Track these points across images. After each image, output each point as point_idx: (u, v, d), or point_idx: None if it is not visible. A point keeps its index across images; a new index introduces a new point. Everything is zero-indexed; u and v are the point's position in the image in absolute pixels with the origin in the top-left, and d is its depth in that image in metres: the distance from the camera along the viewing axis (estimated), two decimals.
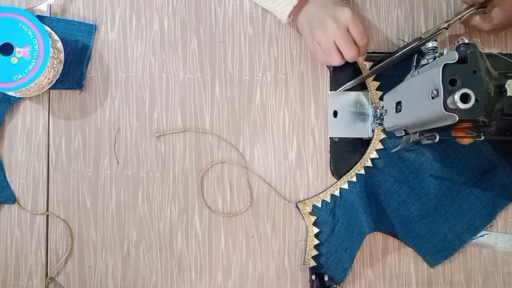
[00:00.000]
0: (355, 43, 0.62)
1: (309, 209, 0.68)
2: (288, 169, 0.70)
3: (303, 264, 0.68)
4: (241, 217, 0.69)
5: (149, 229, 0.69)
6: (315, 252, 0.68)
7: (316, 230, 0.68)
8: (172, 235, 0.69)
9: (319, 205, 0.68)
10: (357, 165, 0.68)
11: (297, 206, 0.68)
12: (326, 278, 0.67)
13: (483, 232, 0.69)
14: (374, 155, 0.68)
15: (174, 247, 0.69)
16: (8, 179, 0.69)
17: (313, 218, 0.68)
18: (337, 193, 0.68)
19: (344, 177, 0.68)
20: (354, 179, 0.68)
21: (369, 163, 0.68)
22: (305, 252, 0.68)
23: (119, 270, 0.69)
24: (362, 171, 0.68)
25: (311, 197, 0.69)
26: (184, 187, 0.70)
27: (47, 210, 0.69)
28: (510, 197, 0.67)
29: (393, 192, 0.68)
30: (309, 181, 0.70)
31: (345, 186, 0.68)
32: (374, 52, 0.71)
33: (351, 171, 0.68)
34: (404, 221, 0.68)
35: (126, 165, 0.70)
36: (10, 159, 0.70)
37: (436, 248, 0.68)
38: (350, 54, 0.62)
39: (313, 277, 0.67)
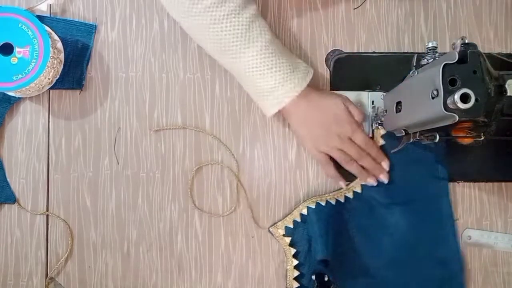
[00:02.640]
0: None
1: (281, 231, 0.68)
2: (288, 169, 0.70)
3: None
4: (241, 217, 0.69)
5: (149, 229, 0.69)
6: (296, 273, 0.67)
7: (293, 250, 0.67)
8: (172, 235, 0.69)
9: (291, 226, 0.68)
10: (329, 194, 0.68)
11: (269, 231, 0.68)
12: (326, 278, 0.67)
13: (483, 232, 0.69)
14: (350, 194, 0.68)
15: (174, 247, 0.69)
16: (8, 179, 0.69)
17: (288, 240, 0.67)
18: (305, 212, 0.67)
19: (313, 198, 0.68)
20: (323, 203, 0.67)
21: (349, 195, 0.68)
22: (286, 276, 0.67)
23: (119, 270, 0.69)
24: (333, 201, 0.67)
25: (282, 220, 0.68)
26: (184, 187, 0.70)
27: (47, 210, 0.69)
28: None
29: (349, 235, 0.67)
30: (309, 181, 0.70)
31: (312, 205, 0.67)
32: (374, 52, 0.71)
33: (322, 196, 0.68)
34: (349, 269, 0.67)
35: (126, 165, 0.70)
36: (10, 159, 0.70)
37: None
38: (364, 162, 0.65)
39: (313, 277, 0.67)
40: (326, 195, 0.68)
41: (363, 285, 0.67)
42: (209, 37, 0.59)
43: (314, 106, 0.63)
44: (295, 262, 0.67)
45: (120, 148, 0.70)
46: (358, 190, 0.68)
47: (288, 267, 0.67)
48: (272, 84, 0.60)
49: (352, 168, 0.66)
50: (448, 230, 0.67)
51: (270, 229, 0.68)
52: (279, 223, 0.68)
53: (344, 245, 0.67)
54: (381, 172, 0.66)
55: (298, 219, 0.67)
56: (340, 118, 0.64)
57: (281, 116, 0.68)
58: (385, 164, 0.67)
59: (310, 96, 0.63)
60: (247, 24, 0.58)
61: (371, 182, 0.66)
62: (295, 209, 0.68)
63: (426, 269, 0.66)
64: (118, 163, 0.70)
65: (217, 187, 0.70)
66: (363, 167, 0.66)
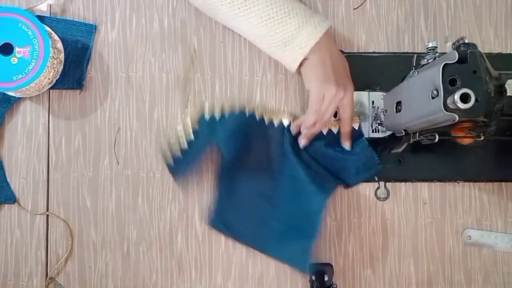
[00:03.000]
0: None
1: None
2: None
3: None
4: None
5: (149, 229, 0.69)
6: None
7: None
8: (172, 235, 0.69)
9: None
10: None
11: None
12: (326, 278, 0.67)
13: (483, 232, 0.69)
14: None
15: (174, 247, 0.69)
16: (8, 179, 0.69)
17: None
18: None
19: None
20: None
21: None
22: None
23: (119, 270, 0.69)
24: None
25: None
26: (184, 187, 0.69)
27: (47, 210, 0.69)
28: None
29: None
30: None
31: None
32: (374, 52, 0.71)
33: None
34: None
35: (126, 165, 0.70)
36: (10, 159, 0.70)
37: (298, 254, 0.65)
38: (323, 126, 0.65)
39: (313, 277, 0.67)
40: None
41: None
42: (227, 2, 0.61)
43: (335, 52, 0.64)
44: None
45: (120, 148, 0.70)
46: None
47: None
48: (293, 29, 0.61)
49: (307, 124, 0.64)
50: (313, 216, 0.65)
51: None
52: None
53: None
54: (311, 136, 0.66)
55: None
56: (348, 75, 0.65)
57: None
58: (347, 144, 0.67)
59: (331, 43, 0.64)
60: None
61: (302, 143, 0.66)
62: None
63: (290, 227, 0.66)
64: (118, 163, 0.70)
65: None
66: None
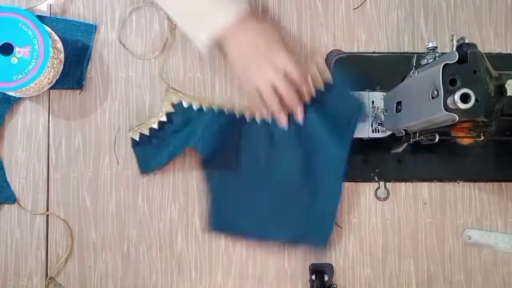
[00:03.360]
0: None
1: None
2: None
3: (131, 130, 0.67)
4: None
5: (149, 229, 0.69)
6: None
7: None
8: (172, 235, 0.69)
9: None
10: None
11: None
12: (326, 278, 0.67)
13: (483, 232, 0.69)
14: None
15: (174, 247, 0.69)
16: (8, 179, 0.69)
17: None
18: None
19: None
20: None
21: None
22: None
23: (119, 270, 0.69)
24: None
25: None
26: (184, 187, 0.70)
27: (47, 210, 0.69)
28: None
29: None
30: None
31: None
32: (374, 52, 0.71)
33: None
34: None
35: (126, 165, 0.70)
36: (10, 159, 0.70)
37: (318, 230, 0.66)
38: (290, 102, 0.63)
39: (313, 277, 0.67)
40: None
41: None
42: None
43: (252, 32, 0.61)
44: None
45: (120, 148, 0.70)
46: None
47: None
48: (206, 8, 0.59)
49: (273, 109, 0.64)
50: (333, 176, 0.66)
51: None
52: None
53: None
54: (300, 113, 0.64)
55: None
56: (277, 46, 0.62)
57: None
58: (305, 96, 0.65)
59: (249, 23, 0.61)
60: None
61: (283, 125, 0.65)
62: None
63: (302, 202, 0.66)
64: (118, 163, 0.69)
65: None
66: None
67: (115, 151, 0.70)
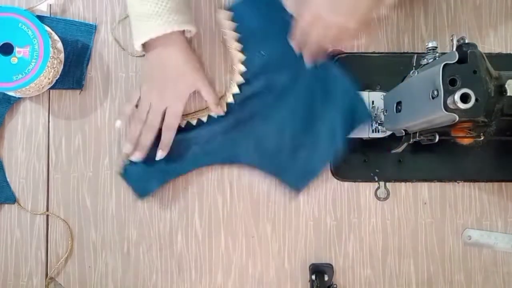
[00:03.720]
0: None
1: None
2: None
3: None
4: (241, 217, 0.69)
5: (149, 229, 0.69)
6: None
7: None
8: (172, 235, 0.69)
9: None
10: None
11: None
12: (326, 278, 0.67)
13: (483, 232, 0.69)
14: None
15: (174, 247, 0.69)
16: (8, 179, 0.69)
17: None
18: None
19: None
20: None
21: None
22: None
23: (119, 270, 0.69)
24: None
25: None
26: (184, 187, 0.70)
27: (47, 210, 0.69)
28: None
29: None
30: None
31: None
32: (374, 52, 0.71)
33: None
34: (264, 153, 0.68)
35: None
36: (10, 159, 0.70)
37: (299, 174, 0.68)
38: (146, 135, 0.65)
39: (313, 277, 0.67)
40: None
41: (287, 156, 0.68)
42: None
43: (165, 59, 0.64)
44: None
45: (120, 147, 0.70)
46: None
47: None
48: (145, 11, 0.60)
49: (131, 131, 0.65)
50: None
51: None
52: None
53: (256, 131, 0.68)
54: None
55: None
56: (178, 86, 0.65)
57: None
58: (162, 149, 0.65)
59: (171, 43, 0.63)
60: None
61: (135, 157, 0.65)
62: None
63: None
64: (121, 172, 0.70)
65: (217, 187, 0.70)
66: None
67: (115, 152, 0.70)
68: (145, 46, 0.64)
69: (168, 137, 0.65)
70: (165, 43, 0.63)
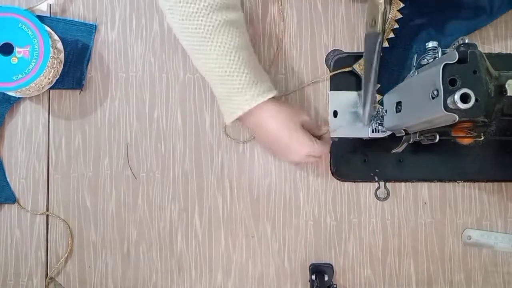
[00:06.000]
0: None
1: None
2: (288, 169, 0.70)
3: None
4: (241, 217, 0.69)
5: (149, 229, 0.69)
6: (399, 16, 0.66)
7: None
8: (172, 235, 0.69)
9: None
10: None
11: None
12: (326, 278, 0.67)
13: (483, 232, 0.69)
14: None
15: (174, 247, 0.69)
16: (8, 179, 0.69)
17: None
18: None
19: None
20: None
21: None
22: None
23: (119, 270, 0.69)
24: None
25: None
26: (184, 187, 0.70)
27: (47, 210, 0.69)
28: None
29: None
30: (309, 181, 0.70)
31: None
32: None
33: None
34: None
35: (126, 165, 0.70)
36: (10, 159, 0.70)
37: None
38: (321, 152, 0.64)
39: (313, 277, 0.67)
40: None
41: None
42: (181, 33, 0.60)
43: (271, 120, 0.61)
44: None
45: (120, 148, 0.70)
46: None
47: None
48: (227, 91, 0.59)
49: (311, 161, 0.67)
50: None
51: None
52: None
53: None
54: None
55: None
56: (296, 136, 0.62)
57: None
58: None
59: (269, 108, 0.61)
60: (216, 26, 0.58)
61: None
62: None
63: None
64: (135, 178, 0.69)
65: (217, 187, 0.70)
66: None
67: (129, 163, 0.70)
68: (239, 119, 0.62)
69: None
70: (255, 113, 0.60)
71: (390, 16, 0.66)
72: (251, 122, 0.62)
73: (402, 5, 0.67)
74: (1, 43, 0.63)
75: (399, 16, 0.67)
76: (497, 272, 0.69)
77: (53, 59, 0.65)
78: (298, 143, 0.62)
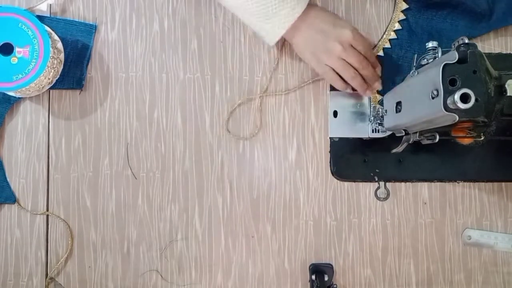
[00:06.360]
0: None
1: None
2: (288, 169, 0.70)
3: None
4: (241, 217, 0.69)
5: (149, 229, 0.69)
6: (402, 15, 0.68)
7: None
8: (172, 235, 0.69)
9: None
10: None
11: None
12: (326, 278, 0.67)
13: (483, 232, 0.69)
14: (397, 26, 0.69)
15: (174, 247, 0.69)
16: (8, 179, 0.69)
17: None
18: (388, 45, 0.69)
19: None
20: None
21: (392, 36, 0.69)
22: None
23: (119, 270, 0.69)
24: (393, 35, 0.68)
25: None
26: (184, 187, 0.70)
27: (47, 210, 0.69)
28: None
29: None
30: (309, 181, 0.70)
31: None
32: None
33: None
34: None
35: (126, 165, 0.70)
36: (10, 159, 0.70)
37: None
38: (365, 71, 0.64)
39: (313, 277, 0.67)
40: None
41: None
42: None
43: (314, 21, 0.63)
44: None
45: (120, 148, 0.70)
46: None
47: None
48: (276, 2, 0.60)
49: (354, 82, 0.65)
50: None
51: None
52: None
53: None
54: (377, 80, 0.67)
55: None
56: (340, 24, 0.64)
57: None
58: (379, 70, 0.68)
59: (309, 15, 0.63)
60: None
61: (369, 94, 0.67)
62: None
63: None
64: (136, 178, 0.69)
65: (217, 187, 0.70)
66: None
67: (129, 164, 0.70)
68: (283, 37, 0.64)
69: (372, 72, 0.66)
70: (303, 18, 0.62)
71: (393, 16, 0.67)
72: (296, 30, 0.63)
73: (406, 6, 0.67)
74: (1, 43, 0.63)
75: (402, 17, 0.67)
76: (497, 272, 0.69)
77: (53, 59, 0.65)
78: (340, 26, 0.63)
